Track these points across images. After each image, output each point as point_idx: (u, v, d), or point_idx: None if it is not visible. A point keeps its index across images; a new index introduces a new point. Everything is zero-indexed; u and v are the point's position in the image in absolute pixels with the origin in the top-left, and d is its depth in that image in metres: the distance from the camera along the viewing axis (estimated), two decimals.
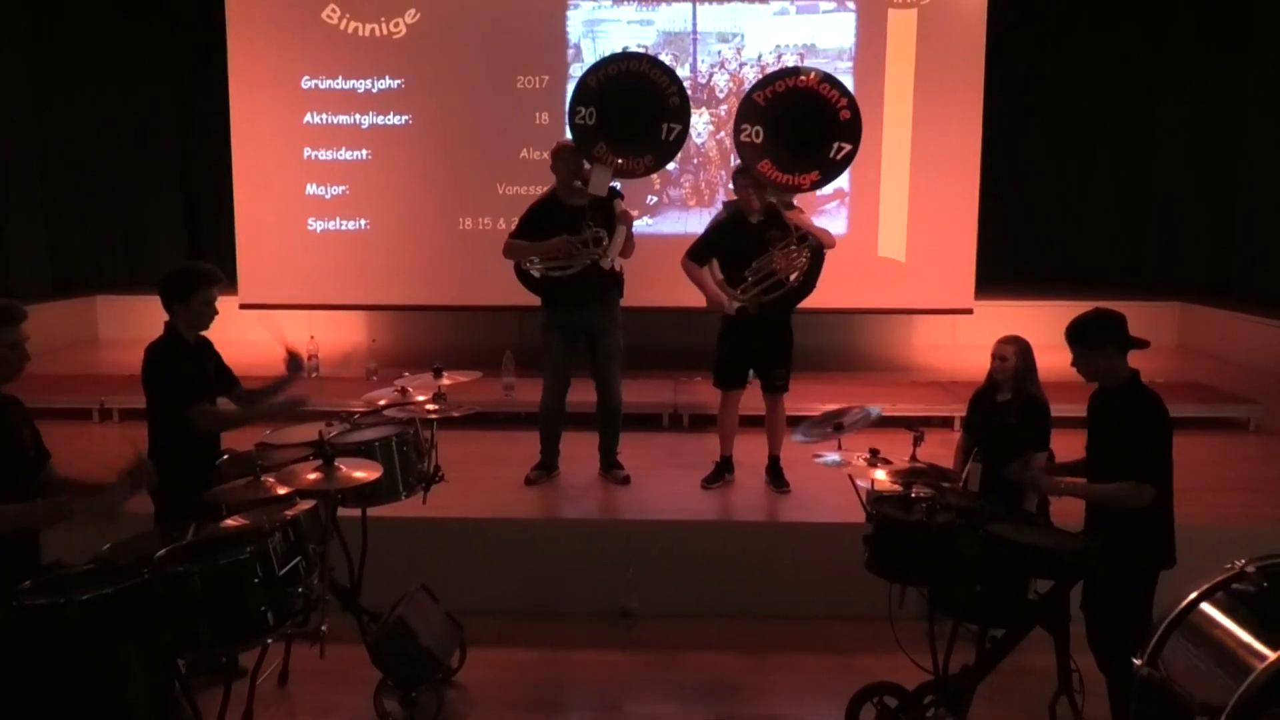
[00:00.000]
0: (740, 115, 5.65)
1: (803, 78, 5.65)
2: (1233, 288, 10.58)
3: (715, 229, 5.80)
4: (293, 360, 4.51)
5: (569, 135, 5.85)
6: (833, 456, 4.12)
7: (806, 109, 5.57)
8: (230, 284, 8.39)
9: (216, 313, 4.23)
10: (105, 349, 9.83)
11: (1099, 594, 3.75)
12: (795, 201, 5.88)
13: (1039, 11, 10.77)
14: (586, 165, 5.64)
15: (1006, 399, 4.45)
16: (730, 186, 8.30)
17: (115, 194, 11.13)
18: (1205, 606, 2.92)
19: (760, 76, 8.23)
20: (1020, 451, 4.16)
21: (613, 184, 5.67)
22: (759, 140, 5.57)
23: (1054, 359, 3.95)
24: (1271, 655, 2.60)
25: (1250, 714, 2.57)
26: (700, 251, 5.66)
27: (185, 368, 4.13)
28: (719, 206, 8.47)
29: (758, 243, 5.49)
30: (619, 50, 7.48)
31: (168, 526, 3.45)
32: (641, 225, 8.51)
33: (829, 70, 8.09)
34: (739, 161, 5.77)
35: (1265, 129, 10.25)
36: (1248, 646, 2.72)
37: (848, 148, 5.59)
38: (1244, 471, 6.29)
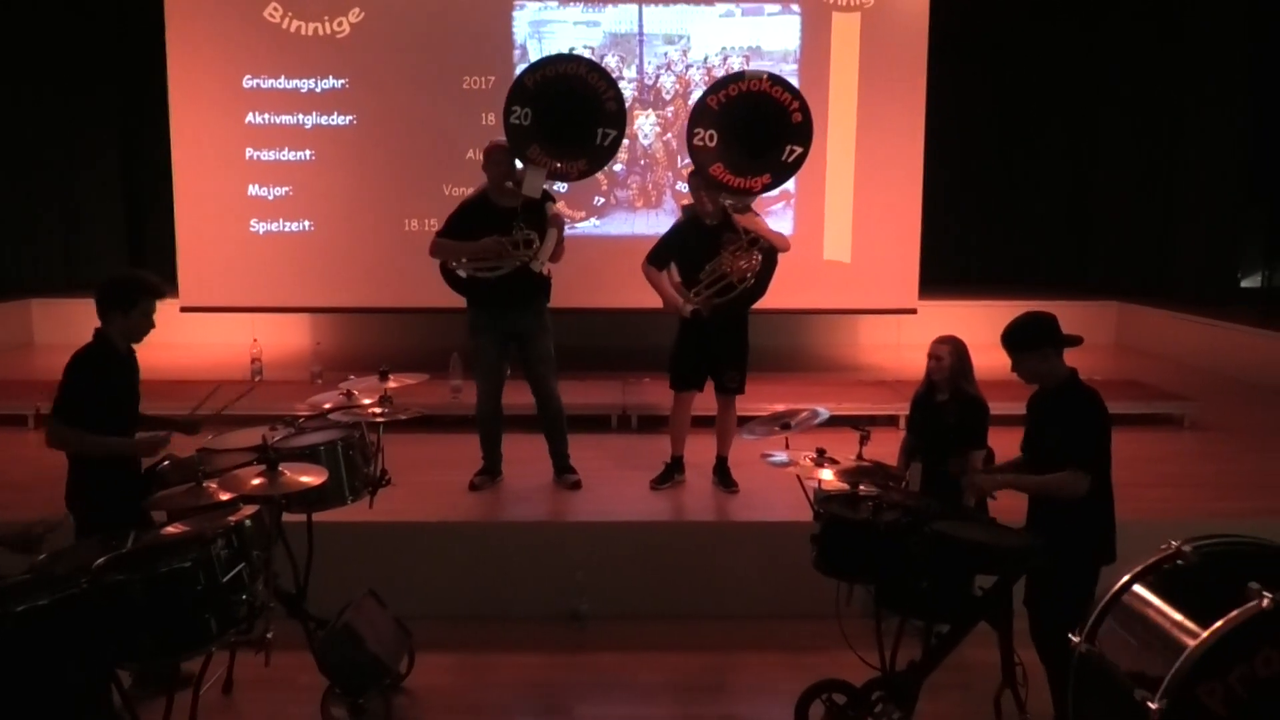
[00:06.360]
0: (693, 119, 5.67)
1: (755, 81, 5.68)
2: (1169, 288, 10.82)
3: (672, 233, 5.82)
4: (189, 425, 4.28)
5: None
6: (780, 456, 4.14)
7: (759, 112, 5.60)
8: (171, 287, 8.31)
9: (154, 326, 4.11)
10: (40, 354, 9.61)
11: (1041, 589, 3.82)
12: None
13: (980, 15, 10.94)
14: (519, 165, 5.62)
15: (945, 399, 4.52)
16: (678, 188, 8.37)
17: (52, 195, 10.89)
18: (1140, 586, 3.01)
19: (707, 78, 8.29)
20: (960, 450, 4.23)
21: (545, 186, 5.65)
22: (712, 144, 5.59)
23: (996, 358, 4.01)
24: (1204, 632, 2.69)
25: (1188, 686, 2.65)
26: (658, 256, 5.68)
27: (106, 383, 3.99)
28: (666, 208, 8.52)
29: (713, 246, 5.52)
30: (564, 51, 7.48)
31: (106, 534, 3.39)
32: (588, 226, 8.53)
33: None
34: (688, 164, 5.79)
35: (1201, 134, 10.52)
36: (1181, 623, 2.81)
37: (799, 150, 5.64)
38: (1179, 467, 6.43)
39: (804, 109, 5.64)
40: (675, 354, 5.76)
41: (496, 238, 5.41)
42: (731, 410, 5.76)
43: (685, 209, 5.87)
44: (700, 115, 5.65)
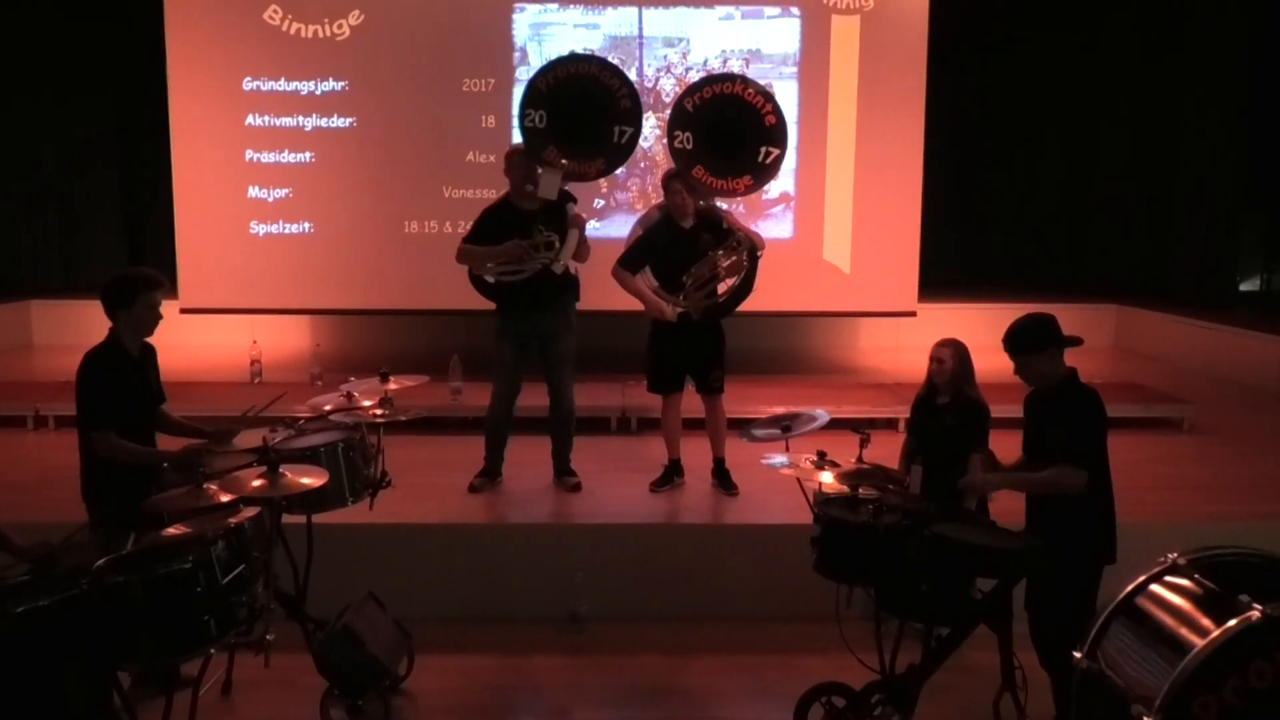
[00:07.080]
0: (671, 122, 5.69)
1: (727, 84, 5.70)
2: (1168, 291, 10.83)
3: (646, 236, 5.81)
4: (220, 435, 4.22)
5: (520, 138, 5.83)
6: (780, 459, 4.15)
7: (733, 115, 5.62)
8: (171, 288, 8.31)
9: (161, 318, 4.13)
10: (40, 355, 9.61)
11: (1042, 592, 3.82)
12: (739, 205, 5.91)
13: (980, 18, 10.94)
14: (539, 169, 5.63)
15: (945, 402, 4.52)
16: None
17: (51, 196, 10.86)
18: (1137, 600, 3.01)
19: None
20: (960, 454, 4.23)
21: (564, 188, 5.66)
22: (690, 146, 5.61)
23: (997, 361, 4.02)
24: (1197, 646, 2.69)
25: (1183, 701, 2.65)
26: (633, 260, 5.67)
27: (119, 383, 4.02)
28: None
29: (691, 248, 5.52)
30: (566, 53, 7.47)
31: (107, 535, 3.39)
32: (589, 229, 8.47)
33: (775, 75, 8.28)
34: (671, 167, 5.80)
35: (1199, 136, 10.52)
36: (1175, 638, 2.81)
37: (776, 152, 5.65)
38: (1179, 470, 6.43)
39: (777, 112, 5.66)
40: (653, 358, 5.75)
41: (517, 241, 5.44)
42: (719, 410, 5.75)
43: (658, 210, 5.87)
44: (677, 118, 5.67)
